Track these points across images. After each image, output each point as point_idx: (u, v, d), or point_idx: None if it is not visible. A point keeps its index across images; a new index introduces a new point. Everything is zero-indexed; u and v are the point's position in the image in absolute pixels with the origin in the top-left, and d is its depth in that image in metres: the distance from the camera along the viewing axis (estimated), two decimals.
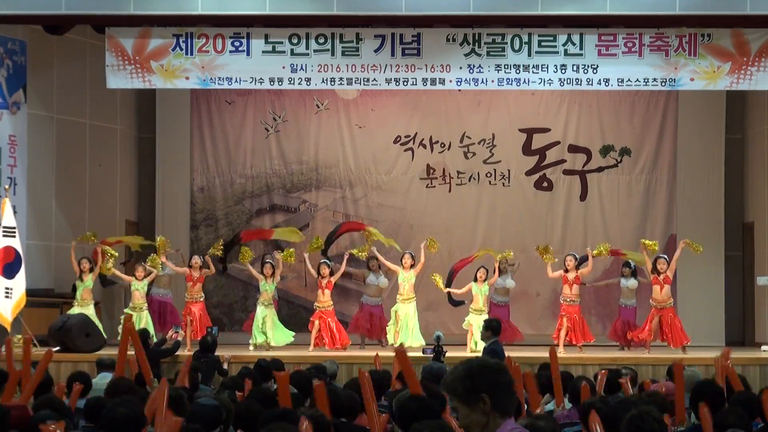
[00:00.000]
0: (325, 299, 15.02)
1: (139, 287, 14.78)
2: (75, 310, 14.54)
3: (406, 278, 15.03)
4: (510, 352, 14.00)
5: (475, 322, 14.64)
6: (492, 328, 11.62)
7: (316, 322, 14.90)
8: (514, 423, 3.72)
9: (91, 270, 14.79)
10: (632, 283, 15.48)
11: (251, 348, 14.75)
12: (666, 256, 14.99)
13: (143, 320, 14.57)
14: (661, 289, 14.68)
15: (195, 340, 14.39)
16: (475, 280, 14.99)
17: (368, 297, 15.78)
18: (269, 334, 14.84)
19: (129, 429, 5.29)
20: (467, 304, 15.19)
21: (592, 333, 15.24)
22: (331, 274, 15.11)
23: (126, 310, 14.73)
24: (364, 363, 12.36)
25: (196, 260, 15.24)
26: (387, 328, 15.15)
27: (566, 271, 15.00)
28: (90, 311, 14.56)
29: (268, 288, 15.03)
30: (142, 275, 14.86)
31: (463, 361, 3.79)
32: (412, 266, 15.08)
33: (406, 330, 14.75)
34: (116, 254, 15.22)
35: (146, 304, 14.86)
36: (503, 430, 3.65)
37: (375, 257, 15.64)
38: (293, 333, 15.19)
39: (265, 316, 14.90)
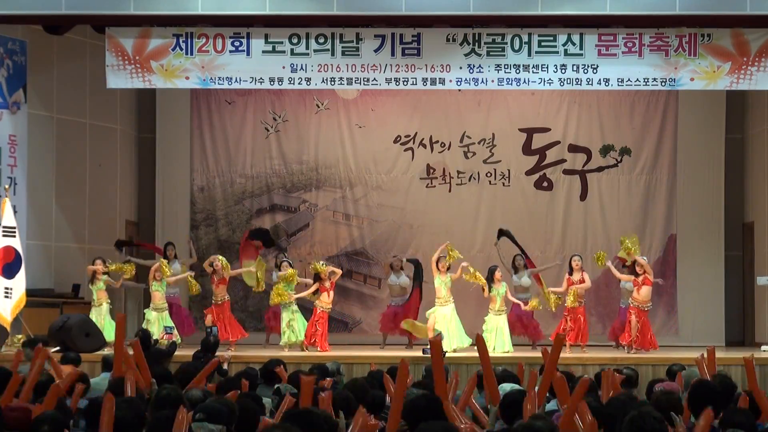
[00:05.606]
0: (327, 300, 14.87)
1: (158, 288, 14.76)
2: (93, 312, 14.57)
3: (443, 282, 14.68)
4: (515, 352, 14.07)
5: (494, 323, 14.50)
6: None
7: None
8: None
9: (105, 273, 14.81)
10: (630, 285, 15.36)
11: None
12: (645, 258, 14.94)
13: (163, 321, 14.58)
14: (639, 290, 14.50)
15: (230, 341, 14.74)
16: (492, 281, 14.64)
17: (392, 297, 15.81)
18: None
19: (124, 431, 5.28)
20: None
21: (591, 333, 15.12)
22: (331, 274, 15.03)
23: (146, 311, 14.79)
24: (365, 363, 12.37)
25: (218, 262, 15.10)
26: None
27: (571, 273, 14.84)
28: (104, 310, 14.60)
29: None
30: (160, 276, 14.84)
31: None
32: (448, 269, 14.73)
33: (448, 334, 14.27)
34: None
35: (167, 305, 14.84)
36: None
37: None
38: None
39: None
